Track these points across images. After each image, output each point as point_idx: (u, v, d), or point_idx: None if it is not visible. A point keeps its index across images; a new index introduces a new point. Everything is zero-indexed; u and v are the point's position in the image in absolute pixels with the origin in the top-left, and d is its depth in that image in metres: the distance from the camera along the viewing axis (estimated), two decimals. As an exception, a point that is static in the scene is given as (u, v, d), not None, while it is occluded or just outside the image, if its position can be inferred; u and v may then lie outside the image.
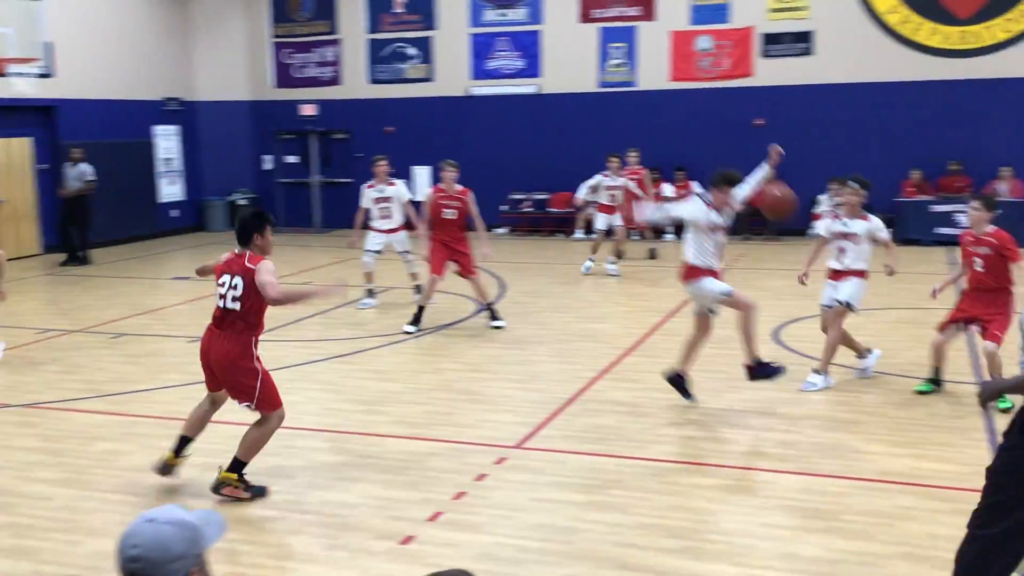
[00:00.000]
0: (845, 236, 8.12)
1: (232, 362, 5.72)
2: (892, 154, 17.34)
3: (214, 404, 6.04)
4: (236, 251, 5.80)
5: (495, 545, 5.18)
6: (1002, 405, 6.94)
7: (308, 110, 20.71)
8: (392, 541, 5.23)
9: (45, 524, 5.56)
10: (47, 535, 5.42)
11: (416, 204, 11.90)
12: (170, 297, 13.08)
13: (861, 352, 8.29)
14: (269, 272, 5.62)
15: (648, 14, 18.57)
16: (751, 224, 17.83)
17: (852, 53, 17.47)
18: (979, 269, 7.48)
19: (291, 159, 21.20)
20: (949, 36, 17.11)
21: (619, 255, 14.46)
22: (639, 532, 5.31)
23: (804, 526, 5.38)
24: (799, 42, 17.83)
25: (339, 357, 9.47)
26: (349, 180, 19.96)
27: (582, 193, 15.49)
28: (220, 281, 5.77)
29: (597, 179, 14.72)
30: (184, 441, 6.00)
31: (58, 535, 5.42)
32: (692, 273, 7.30)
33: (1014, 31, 16.79)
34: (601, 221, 14.50)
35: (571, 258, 16.23)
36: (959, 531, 5.14)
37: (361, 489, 5.99)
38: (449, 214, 10.55)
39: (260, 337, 5.85)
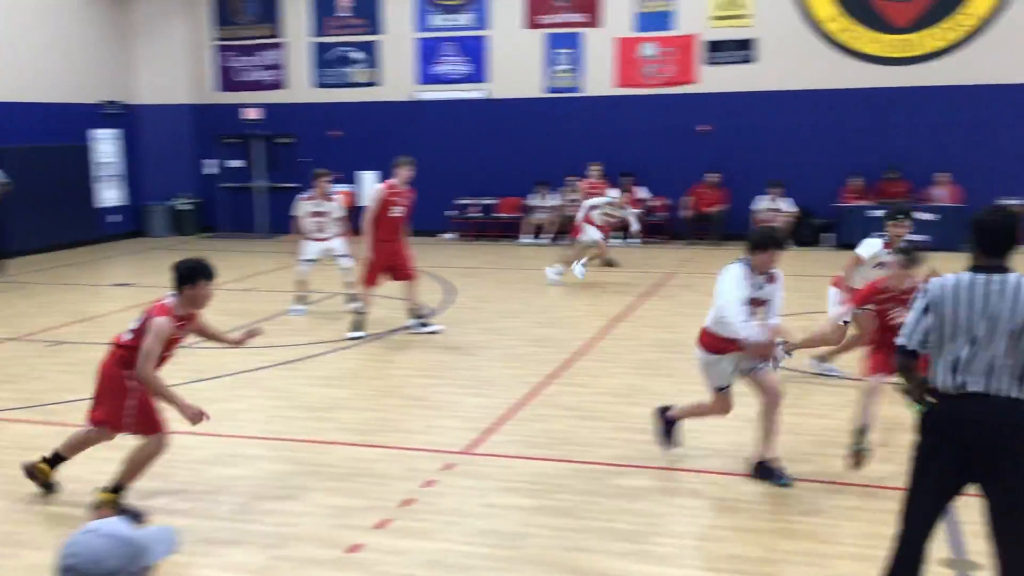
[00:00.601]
0: (883, 265, 8.23)
1: (110, 380, 5.67)
2: (833, 160, 17.65)
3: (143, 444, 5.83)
4: (170, 294, 5.73)
5: (443, 552, 5.15)
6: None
7: (252, 114, 20.48)
8: (338, 550, 5.17)
9: (-21, 538, 5.40)
10: (-19, 550, 5.26)
11: (354, 213, 11.62)
12: (110, 304, 12.81)
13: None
14: (154, 336, 5.49)
15: (593, 21, 18.69)
16: (696, 228, 18.07)
17: (794, 60, 17.76)
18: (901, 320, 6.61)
19: (235, 163, 20.93)
20: (887, 44, 17.49)
21: (570, 262, 14.23)
22: (587, 536, 5.32)
23: (750, 527, 5.43)
24: (742, 49, 18.07)
25: (285, 364, 9.35)
26: (296, 185, 19.75)
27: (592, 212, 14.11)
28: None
29: (604, 200, 14.11)
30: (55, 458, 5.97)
31: (-8, 549, 5.26)
32: (711, 343, 6.23)
33: (950, 39, 17.21)
34: (594, 232, 13.85)
35: (520, 263, 16.27)
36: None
37: (307, 498, 5.92)
38: (397, 211, 10.42)
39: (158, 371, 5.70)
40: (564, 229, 18.45)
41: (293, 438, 7.08)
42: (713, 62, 18.22)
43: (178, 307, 5.66)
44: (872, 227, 16.74)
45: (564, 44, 18.90)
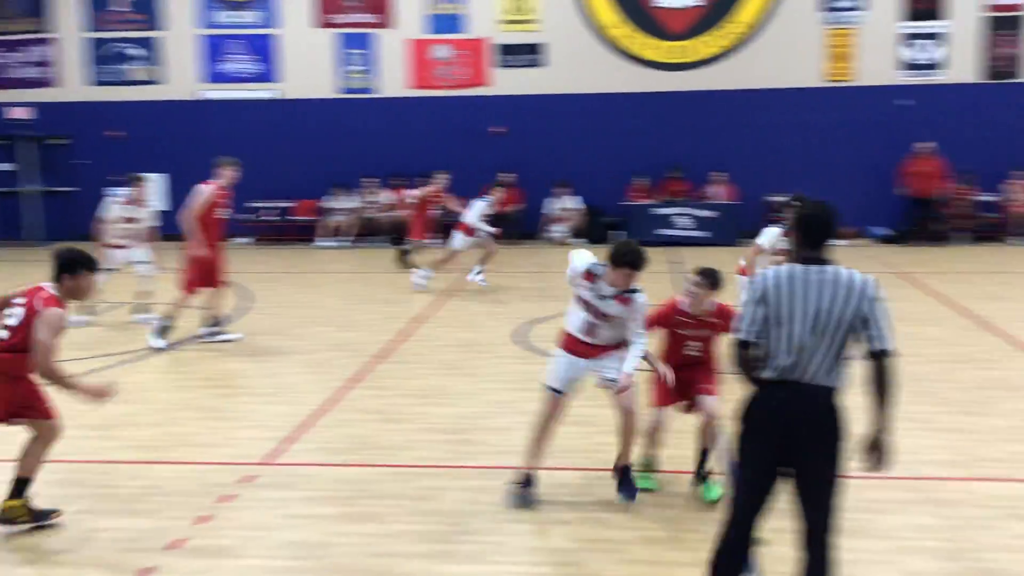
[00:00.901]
0: (783, 251, 8.47)
1: None
2: (619, 160, 18.42)
3: (36, 436, 5.49)
4: (44, 283, 5.31)
5: (244, 568, 4.97)
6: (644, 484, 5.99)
7: (19, 113, 19.02)
8: (127, 575, 4.89)
9: None
10: None
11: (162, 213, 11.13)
12: None
13: None
14: (50, 328, 5.15)
15: (385, 21, 18.61)
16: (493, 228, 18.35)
17: (580, 65, 18.39)
18: (694, 353, 5.95)
19: (1, 167, 19.34)
20: (665, 50, 18.42)
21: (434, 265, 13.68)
22: (393, 540, 5.28)
23: (552, 519, 5.56)
24: (531, 53, 18.53)
25: (64, 381, 8.73)
26: (74, 188, 18.56)
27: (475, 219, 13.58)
28: (8, 310, 5.28)
29: (482, 204, 13.66)
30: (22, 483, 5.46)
31: None
32: (561, 341, 5.87)
33: (723, 45, 18.35)
34: (459, 241, 13.40)
35: (318, 266, 15.98)
36: (695, 512, 5.53)
37: (91, 522, 5.55)
38: (222, 214, 10.15)
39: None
40: (363, 231, 18.33)
41: (74, 459, 6.62)
42: (505, 65, 18.58)
43: (60, 298, 5.24)
44: (657, 224, 17.69)
45: (356, 44, 18.72)
